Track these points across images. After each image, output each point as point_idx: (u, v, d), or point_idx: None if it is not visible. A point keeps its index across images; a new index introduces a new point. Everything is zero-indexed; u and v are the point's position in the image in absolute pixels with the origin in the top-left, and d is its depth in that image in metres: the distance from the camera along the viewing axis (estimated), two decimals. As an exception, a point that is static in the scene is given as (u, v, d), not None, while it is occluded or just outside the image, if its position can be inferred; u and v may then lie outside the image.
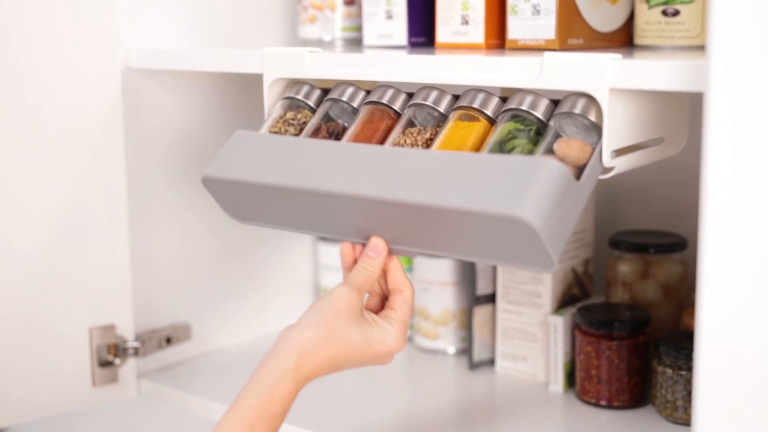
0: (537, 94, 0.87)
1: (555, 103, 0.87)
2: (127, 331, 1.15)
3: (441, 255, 0.92)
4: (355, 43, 1.20)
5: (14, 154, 1.06)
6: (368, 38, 1.12)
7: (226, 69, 1.07)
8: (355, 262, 0.91)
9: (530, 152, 0.85)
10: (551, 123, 0.85)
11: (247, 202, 0.96)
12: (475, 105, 0.89)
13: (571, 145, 0.83)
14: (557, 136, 0.84)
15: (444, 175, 0.83)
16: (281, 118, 0.99)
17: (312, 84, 0.99)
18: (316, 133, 0.97)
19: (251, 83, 1.22)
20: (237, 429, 0.83)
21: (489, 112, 0.89)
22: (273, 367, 0.84)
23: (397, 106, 0.94)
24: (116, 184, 1.13)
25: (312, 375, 0.85)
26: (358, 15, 1.19)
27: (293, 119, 0.99)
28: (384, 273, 0.92)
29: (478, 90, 0.89)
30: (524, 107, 0.86)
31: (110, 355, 1.14)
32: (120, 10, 1.11)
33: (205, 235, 1.24)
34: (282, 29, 1.28)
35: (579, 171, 0.82)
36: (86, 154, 1.11)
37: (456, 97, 0.92)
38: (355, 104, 0.96)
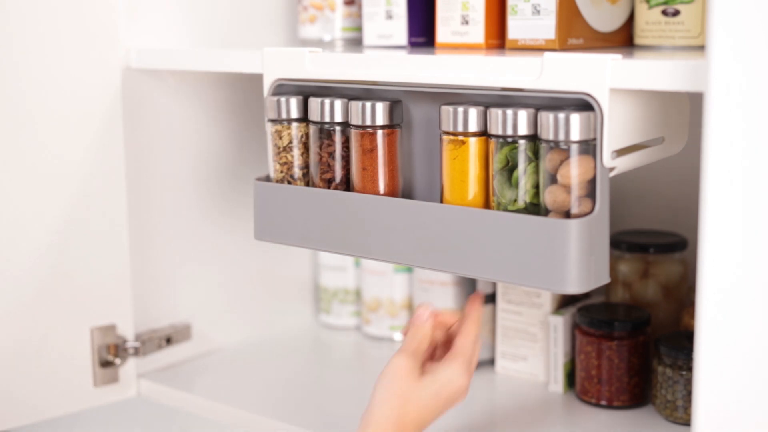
0: (514, 106, 0.87)
1: (536, 108, 0.87)
2: (127, 331, 1.16)
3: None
4: (355, 43, 1.20)
5: (14, 154, 1.06)
6: (368, 38, 1.11)
7: (226, 69, 1.07)
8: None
9: (537, 181, 0.86)
10: (540, 135, 0.85)
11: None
12: (459, 129, 0.90)
13: (553, 192, 0.85)
14: (548, 150, 0.85)
15: (478, 245, 0.88)
16: (278, 148, 1.01)
17: (288, 95, 1.00)
18: (319, 159, 0.99)
19: (251, 83, 1.22)
20: None
21: (472, 129, 0.89)
22: None
23: (379, 121, 0.95)
24: (116, 185, 1.13)
25: None
26: (358, 15, 1.19)
27: (288, 145, 1.01)
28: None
29: (456, 106, 0.90)
30: (509, 131, 0.87)
31: (111, 355, 1.14)
32: (120, 10, 1.11)
33: (205, 235, 1.24)
34: (282, 29, 1.28)
35: (591, 187, 0.84)
36: (86, 154, 1.11)
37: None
38: (337, 118, 0.97)
